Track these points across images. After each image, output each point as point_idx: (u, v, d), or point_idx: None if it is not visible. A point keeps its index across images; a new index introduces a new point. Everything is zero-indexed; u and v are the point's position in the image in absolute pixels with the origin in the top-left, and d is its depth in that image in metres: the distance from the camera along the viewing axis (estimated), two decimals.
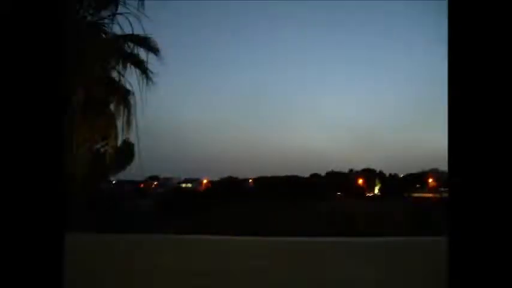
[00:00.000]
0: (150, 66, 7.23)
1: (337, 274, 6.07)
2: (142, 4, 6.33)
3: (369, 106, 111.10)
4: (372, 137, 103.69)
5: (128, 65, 7.20)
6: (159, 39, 7.19)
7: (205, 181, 64.71)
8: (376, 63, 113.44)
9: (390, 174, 63.96)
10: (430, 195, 48.62)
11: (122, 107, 7.31)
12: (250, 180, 59.18)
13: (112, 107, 7.42)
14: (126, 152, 12.00)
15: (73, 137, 5.98)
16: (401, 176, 63.52)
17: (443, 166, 48.47)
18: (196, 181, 65.48)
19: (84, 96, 6.11)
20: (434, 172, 59.09)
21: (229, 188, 47.33)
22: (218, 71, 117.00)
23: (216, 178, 60.84)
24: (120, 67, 7.16)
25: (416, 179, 59.85)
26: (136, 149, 7.62)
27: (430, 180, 59.76)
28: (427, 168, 61.65)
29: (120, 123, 7.29)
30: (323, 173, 61.39)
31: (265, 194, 41.61)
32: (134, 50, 7.17)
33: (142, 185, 54.23)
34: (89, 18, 6.55)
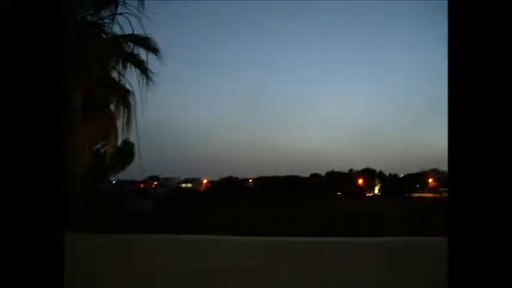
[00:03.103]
0: (150, 66, 7.25)
1: (337, 274, 6.08)
2: (142, 4, 6.34)
3: (369, 106, 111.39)
4: (372, 137, 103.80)
5: (128, 65, 7.21)
6: (159, 39, 7.21)
7: (205, 181, 64.71)
8: (376, 63, 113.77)
9: (390, 174, 63.97)
10: (430, 195, 48.60)
11: (121, 107, 7.32)
12: (250, 180, 59.14)
13: (112, 107, 7.44)
14: (126, 152, 12.02)
15: (73, 137, 5.99)
16: (401, 176, 63.52)
17: (443, 166, 48.53)
18: (196, 181, 65.49)
19: (84, 96, 6.11)
20: (434, 172, 59.10)
21: (229, 188, 47.27)
22: (218, 71, 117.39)
23: (216, 178, 60.89)
24: (120, 67, 7.18)
25: (416, 179, 59.84)
26: (136, 149, 7.64)
27: (430, 180, 59.78)
28: (427, 168, 61.73)
29: (120, 123, 7.31)
30: (323, 173, 61.49)
31: (265, 194, 41.52)
32: (134, 50, 7.18)
33: (142, 185, 54.24)
34: (89, 18, 6.55)
